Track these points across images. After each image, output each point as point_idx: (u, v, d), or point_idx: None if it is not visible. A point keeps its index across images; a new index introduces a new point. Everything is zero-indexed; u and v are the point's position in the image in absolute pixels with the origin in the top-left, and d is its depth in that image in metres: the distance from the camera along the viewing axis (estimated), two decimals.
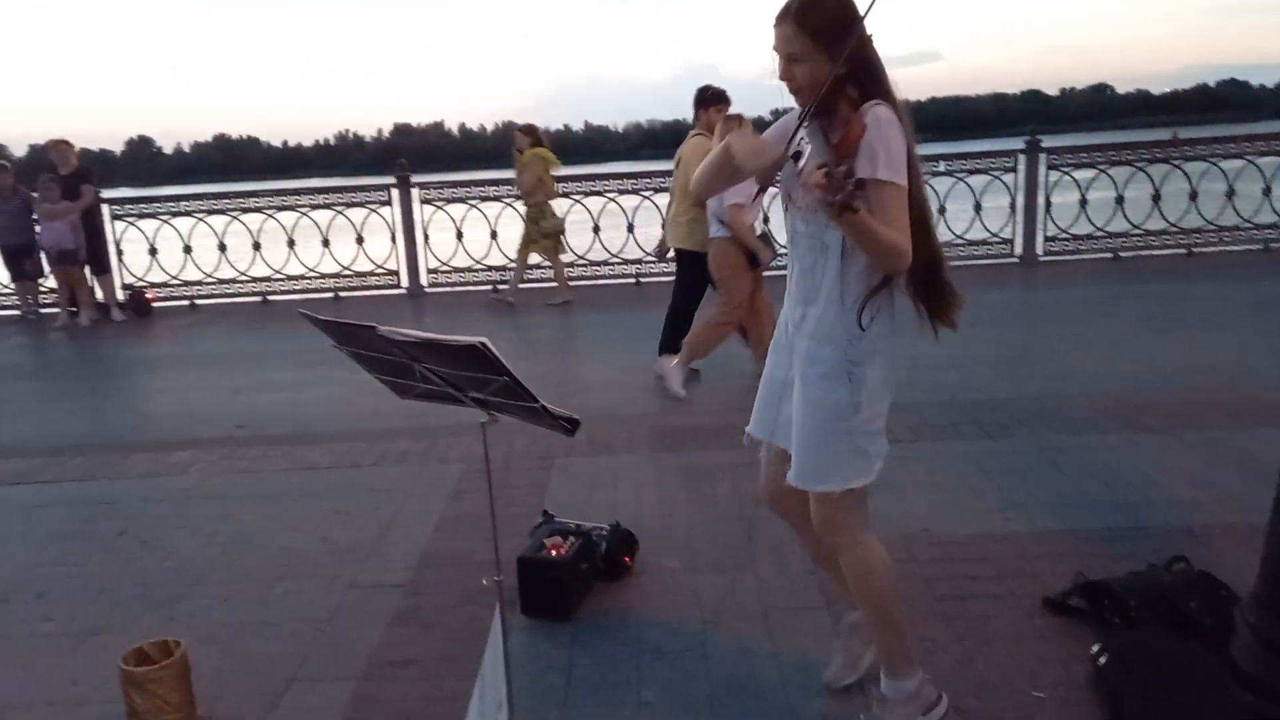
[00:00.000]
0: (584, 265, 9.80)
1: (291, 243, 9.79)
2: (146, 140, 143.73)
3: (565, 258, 9.34)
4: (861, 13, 2.00)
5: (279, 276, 9.87)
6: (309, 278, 9.82)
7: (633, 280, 9.73)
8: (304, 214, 9.72)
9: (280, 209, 9.77)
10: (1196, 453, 4.16)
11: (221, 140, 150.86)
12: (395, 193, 9.65)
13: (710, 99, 5.76)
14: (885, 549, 2.37)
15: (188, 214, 9.82)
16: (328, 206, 9.78)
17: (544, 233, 8.85)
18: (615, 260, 9.81)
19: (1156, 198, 9.52)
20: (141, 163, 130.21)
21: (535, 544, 3.18)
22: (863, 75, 2.06)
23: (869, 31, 2.04)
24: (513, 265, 9.72)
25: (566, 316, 8.52)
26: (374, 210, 9.73)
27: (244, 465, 4.70)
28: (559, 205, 9.19)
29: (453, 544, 3.67)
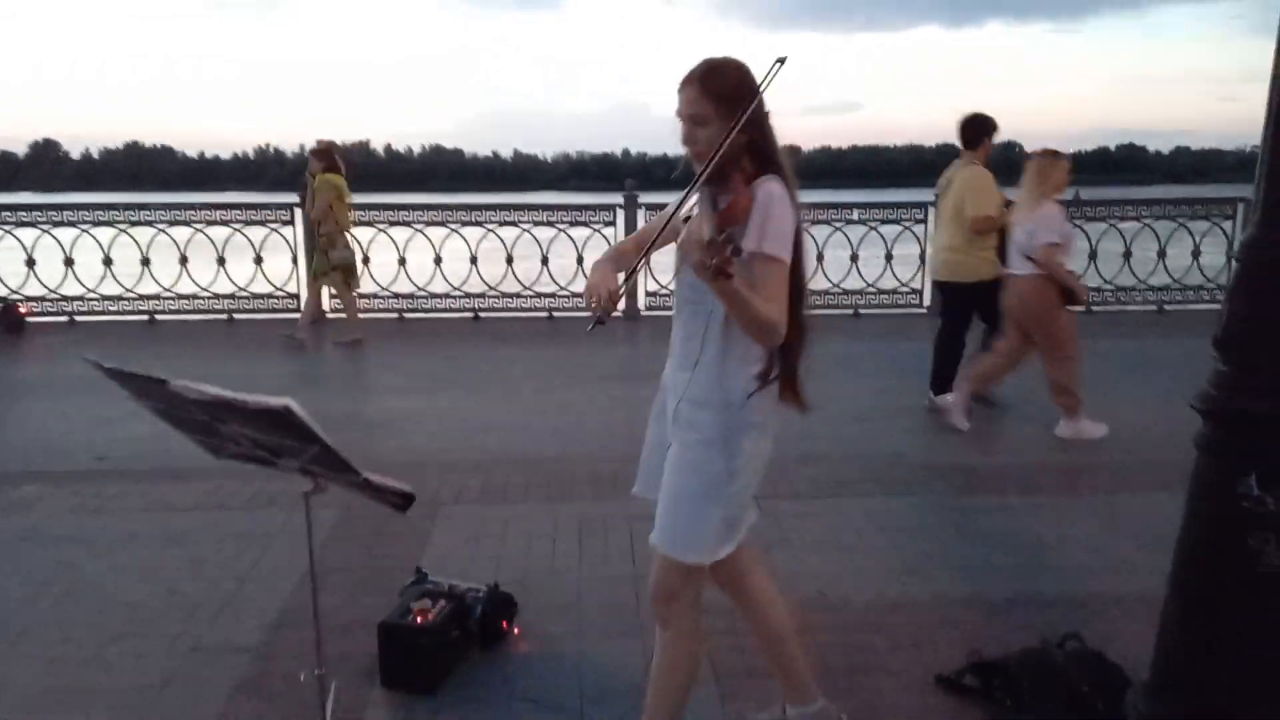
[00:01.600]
0: (495, 297, 9.55)
1: (184, 259, 9.26)
2: (52, 143, 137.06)
3: (363, 288, 9.00)
4: (760, 85, 2.06)
5: (169, 295, 9.31)
6: (201, 297, 9.30)
7: (545, 314, 9.51)
8: (199, 230, 9.22)
9: (172, 224, 9.24)
10: (1093, 517, 4.15)
11: (133, 148, 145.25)
12: (297, 212, 9.25)
13: (991, 128, 5.85)
14: (702, 646, 2.38)
15: (70, 224, 9.21)
16: (225, 223, 9.29)
17: (334, 264, 8.18)
18: (529, 293, 9.58)
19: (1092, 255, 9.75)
20: (45, 166, 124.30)
21: (401, 608, 2.92)
22: (760, 147, 2.09)
23: (766, 108, 2.09)
24: (421, 292, 9.44)
25: (482, 349, 8.24)
26: (275, 230, 9.30)
27: (96, 504, 4.29)
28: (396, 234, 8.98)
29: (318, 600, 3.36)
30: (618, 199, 9.49)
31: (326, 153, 8.21)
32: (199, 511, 4.19)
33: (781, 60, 2.03)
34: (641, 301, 9.48)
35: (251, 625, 3.17)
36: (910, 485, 4.58)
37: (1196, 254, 9.77)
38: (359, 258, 8.78)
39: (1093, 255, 9.75)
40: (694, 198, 2.08)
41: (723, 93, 2.06)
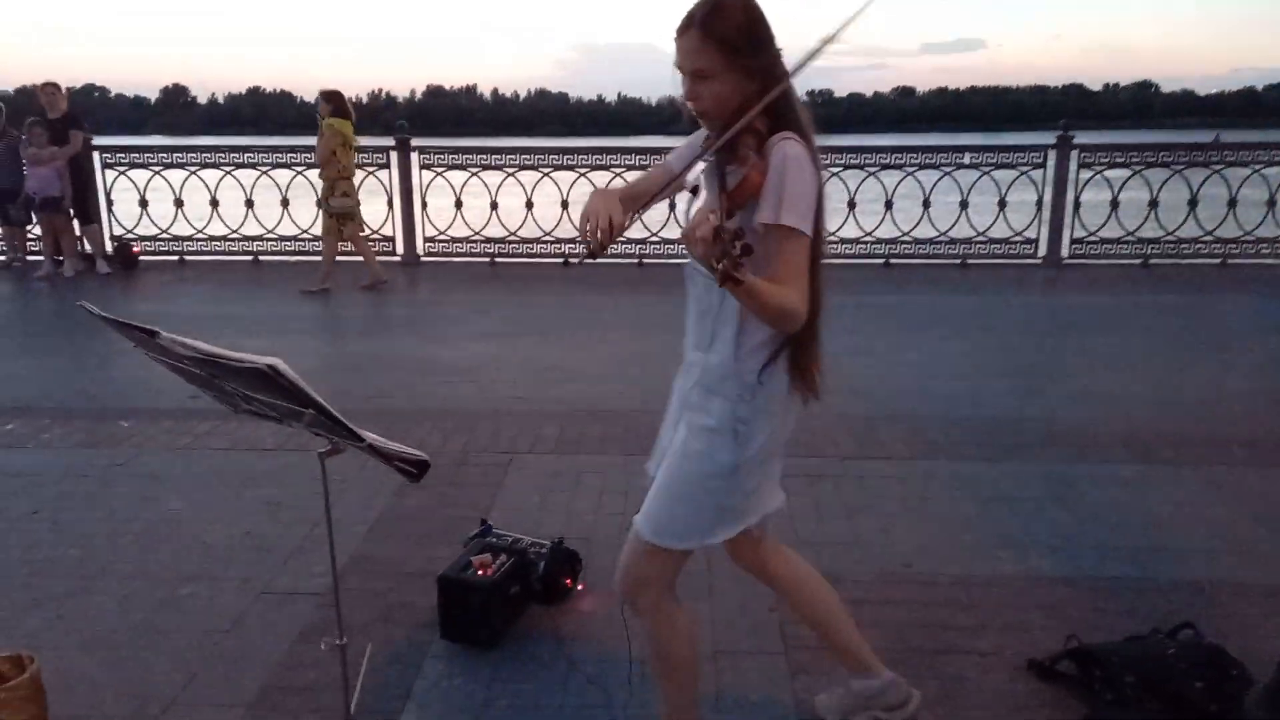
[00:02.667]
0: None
1: (285, 202, 9.45)
2: (181, 89, 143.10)
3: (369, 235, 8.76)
4: (772, 27, 1.79)
5: (271, 236, 9.54)
6: (302, 239, 9.49)
7: (635, 261, 9.34)
8: (300, 174, 9.37)
9: (275, 166, 9.41)
10: (1214, 493, 3.77)
11: (255, 93, 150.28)
12: (394, 155, 9.28)
13: None
14: (690, 617, 2.15)
15: (180, 166, 9.49)
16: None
17: (333, 211, 7.94)
18: (619, 240, 9.38)
19: (1193, 203, 9.00)
20: (175, 111, 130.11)
21: (461, 561, 2.85)
22: (775, 102, 1.77)
23: (779, 46, 1.81)
24: (513, 237, 9.40)
25: (569, 296, 8.15)
26: (371, 173, 9.37)
27: (186, 442, 4.40)
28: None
29: (385, 548, 3.35)
30: None
31: (336, 95, 7.93)
32: (281, 453, 4.23)
33: (829, 39, 1.69)
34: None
35: (321, 570, 3.16)
36: (1011, 450, 4.26)
37: None
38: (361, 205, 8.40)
39: (1232, 203, 8.95)
40: (699, 165, 1.84)
41: (728, 37, 1.75)
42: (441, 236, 9.47)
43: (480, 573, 2.78)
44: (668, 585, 2.09)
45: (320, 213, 8.30)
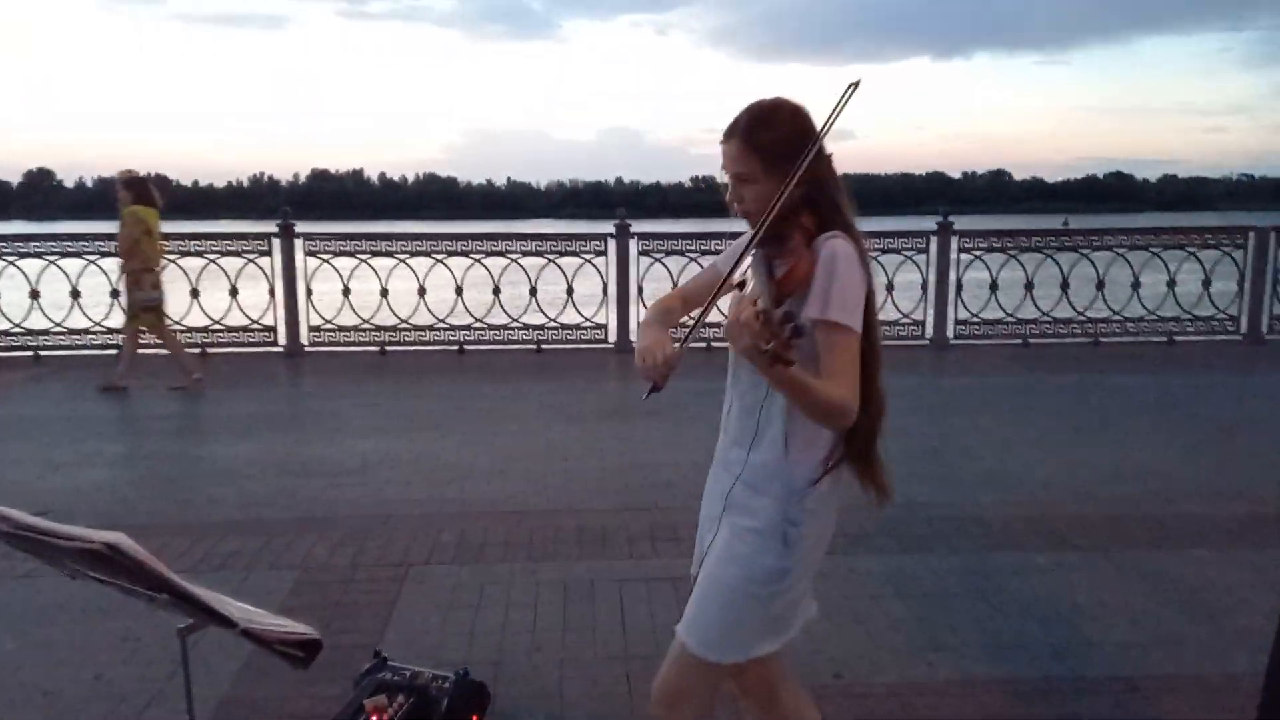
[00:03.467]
0: (481, 329, 9.17)
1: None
2: (46, 172, 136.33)
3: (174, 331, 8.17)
4: (819, 127, 1.79)
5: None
6: (174, 330, 8.87)
7: (533, 347, 9.14)
8: (171, 262, 8.83)
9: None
10: (1131, 580, 3.75)
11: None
12: (276, 242, 8.88)
13: None
14: None
15: (36, 255, 8.82)
16: (199, 254, 8.91)
17: (140, 305, 7.27)
18: (515, 325, 9.21)
19: (1065, 285, 9.46)
20: (38, 196, 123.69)
21: (353, 705, 2.51)
22: (820, 200, 1.82)
23: (828, 151, 1.82)
24: (405, 325, 9.07)
25: (466, 385, 7.84)
26: (251, 260, 8.92)
27: (29, 568, 3.86)
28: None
29: (262, 689, 2.95)
30: (609, 228, 9.15)
31: (139, 182, 7.36)
32: None
33: (854, 85, 1.71)
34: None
35: None
36: (926, 540, 4.18)
37: (1207, 284, 9.46)
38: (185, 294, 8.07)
39: (1100, 285, 9.44)
40: (747, 260, 1.80)
41: (772, 147, 1.79)
42: (328, 325, 9.04)
43: (375, 719, 2.44)
44: (706, 706, 2.00)
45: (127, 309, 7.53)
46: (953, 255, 9.29)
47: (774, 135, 1.79)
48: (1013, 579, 3.78)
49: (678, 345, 1.78)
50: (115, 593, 1.59)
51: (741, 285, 1.79)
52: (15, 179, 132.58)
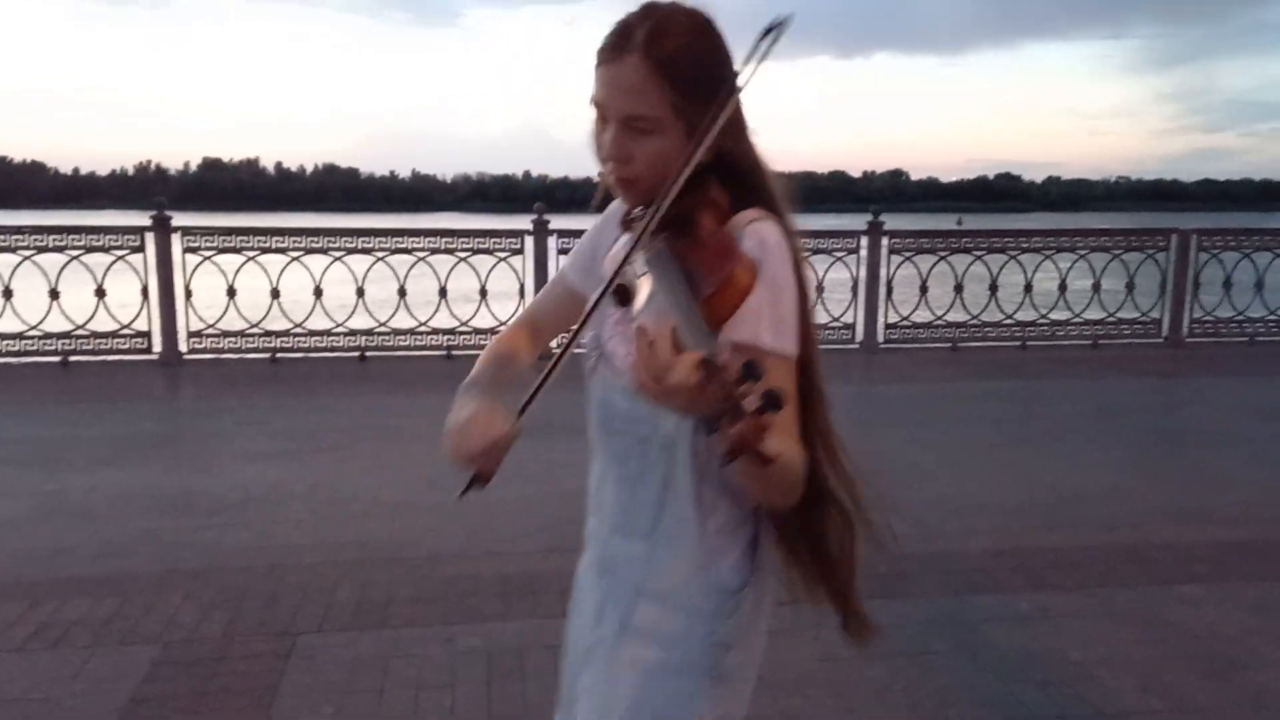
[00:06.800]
0: (385, 334, 8.42)
1: (8, 292, 7.80)
2: None
3: None
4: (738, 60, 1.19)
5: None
6: (30, 336, 7.86)
7: (443, 353, 8.44)
8: (27, 259, 7.80)
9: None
10: (1126, 627, 3.37)
11: (2, 163, 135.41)
12: (150, 237, 7.93)
13: None
14: None
15: None
16: (59, 250, 7.88)
17: None
18: (423, 329, 8.49)
19: (993, 288, 9.28)
20: None
21: None
22: (738, 163, 1.23)
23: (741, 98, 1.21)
24: (299, 329, 8.25)
25: (368, 397, 7.10)
26: (121, 257, 7.95)
27: None
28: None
29: None
30: (525, 224, 8.52)
31: None
32: None
33: (777, 25, 1.12)
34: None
35: None
36: (897, 584, 3.74)
37: (1131, 287, 9.42)
38: None
39: (1028, 288, 9.29)
40: (639, 258, 1.15)
41: (683, 72, 1.17)
42: (210, 330, 8.14)
43: None
44: None
45: None
46: (883, 257, 9.00)
47: (687, 51, 1.17)
48: (997, 629, 3.35)
49: (515, 421, 1.25)
50: None
51: (625, 296, 1.13)
52: None
